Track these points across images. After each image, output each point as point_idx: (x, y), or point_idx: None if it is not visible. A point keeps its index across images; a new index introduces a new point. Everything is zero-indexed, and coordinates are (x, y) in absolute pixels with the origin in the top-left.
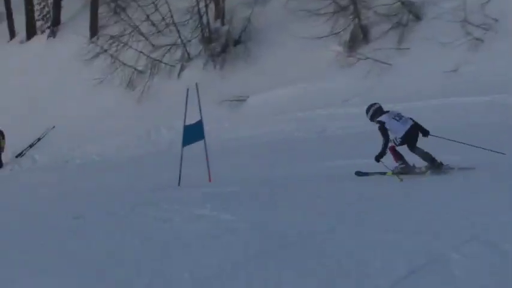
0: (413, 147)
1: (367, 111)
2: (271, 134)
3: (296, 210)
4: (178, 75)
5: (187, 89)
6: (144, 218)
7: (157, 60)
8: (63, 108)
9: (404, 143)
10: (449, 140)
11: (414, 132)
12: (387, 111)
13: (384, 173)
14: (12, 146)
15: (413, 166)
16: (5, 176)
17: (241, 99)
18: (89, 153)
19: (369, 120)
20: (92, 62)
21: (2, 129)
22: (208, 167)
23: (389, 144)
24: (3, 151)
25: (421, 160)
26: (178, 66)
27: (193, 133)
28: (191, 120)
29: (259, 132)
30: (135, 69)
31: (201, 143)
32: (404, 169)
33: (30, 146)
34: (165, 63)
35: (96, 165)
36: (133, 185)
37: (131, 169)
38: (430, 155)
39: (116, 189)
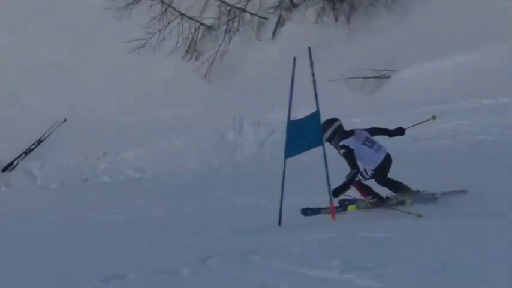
0: (385, 181)
1: (323, 130)
2: (439, 136)
3: None
4: (274, 33)
5: (294, 58)
6: (228, 282)
7: (238, 8)
8: (81, 89)
9: (375, 176)
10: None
11: (389, 161)
12: (351, 132)
13: (346, 207)
14: None
15: (388, 197)
16: None
17: (384, 76)
18: (122, 165)
19: (325, 141)
20: (129, 12)
21: None
22: (329, 193)
23: (355, 184)
24: None
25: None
26: (273, 19)
27: (304, 134)
28: (300, 111)
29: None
30: (201, 23)
31: (316, 151)
32: (377, 203)
33: (26, 152)
34: (252, 14)
35: (136, 186)
36: (201, 222)
37: (195, 195)
38: (403, 184)
39: (173, 230)
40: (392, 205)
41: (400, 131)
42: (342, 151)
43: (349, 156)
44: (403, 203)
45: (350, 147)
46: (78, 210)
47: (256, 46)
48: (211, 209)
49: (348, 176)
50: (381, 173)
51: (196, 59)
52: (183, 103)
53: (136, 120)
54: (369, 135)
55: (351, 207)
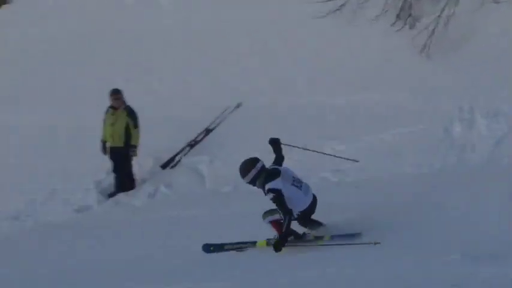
0: (308, 222)
1: (244, 171)
2: None
3: None
4: None
5: None
6: None
7: None
8: (262, 66)
9: (301, 217)
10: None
11: (315, 202)
12: (277, 172)
13: (254, 243)
14: (155, 146)
15: (304, 234)
16: (137, 210)
17: None
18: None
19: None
20: None
21: (133, 107)
22: None
23: (276, 226)
24: (134, 154)
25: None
26: None
27: None
28: None
29: None
30: None
31: None
32: (293, 241)
33: (191, 145)
34: None
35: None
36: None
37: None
38: (322, 224)
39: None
40: (309, 241)
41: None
42: (270, 195)
43: (280, 200)
44: (321, 238)
45: (277, 189)
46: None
47: (492, 10)
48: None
49: (283, 224)
50: (308, 214)
51: (411, 27)
52: (393, 85)
53: (331, 106)
54: (294, 174)
55: (261, 242)
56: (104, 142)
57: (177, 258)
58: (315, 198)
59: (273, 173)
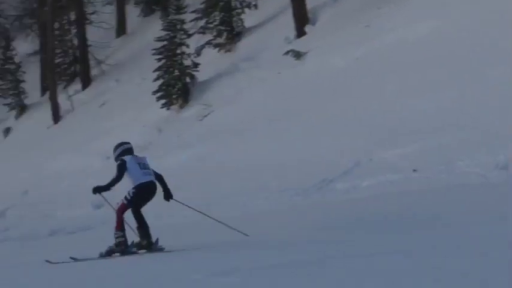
0: (138, 212)
1: (115, 148)
2: None
3: None
4: None
5: None
6: None
7: None
8: None
9: (136, 200)
10: (193, 209)
11: (150, 190)
12: (130, 151)
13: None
14: None
15: (132, 245)
16: None
17: None
18: None
19: (114, 158)
20: None
21: None
22: None
23: (120, 203)
24: None
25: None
26: None
27: None
28: None
29: None
30: None
31: None
32: (120, 245)
33: None
34: None
35: None
36: None
37: None
38: (148, 229)
39: None
40: (133, 252)
41: (168, 194)
42: (118, 162)
43: (121, 166)
44: (145, 247)
45: (124, 159)
46: None
47: None
48: None
49: (112, 179)
50: (141, 198)
51: None
52: None
53: None
54: (147, 163)
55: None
56: None
57: None
58: (151, 186)
59: (127, 151)
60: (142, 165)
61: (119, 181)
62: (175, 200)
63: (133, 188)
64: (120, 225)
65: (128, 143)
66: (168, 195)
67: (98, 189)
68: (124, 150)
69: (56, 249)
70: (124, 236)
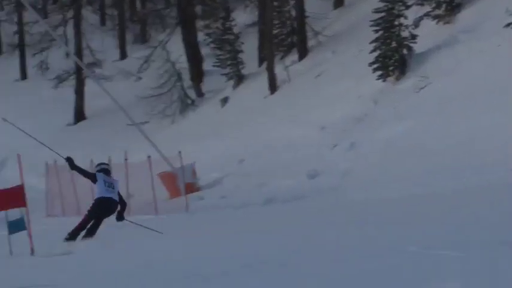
0: (98, 223)
1: (96, 166)
2: None
3: None
4: None
5: None
6: None
7: None
8: None
9: (97, 210)
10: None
11: (108, 205)
12: (105, 171)
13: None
14: None
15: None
16: None
17: None
18: None
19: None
20: None
21: None
22: None
23: (84, 216)
24: None
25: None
26: None
27: None
28: None
29: None
30: None
31: None
32: (73, 234)
33: None
34: None
35: None
36: None
37: None
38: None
39: None
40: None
41: (120, 217)
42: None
43: (93, 176)
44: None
45: (97, 175)
46: None
47: None
48: None
49: (85, 171)
50: (99, 210)
51: None
52: None
53: None
54: (116, 184)
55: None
56: None
57: None
58: (110, 203)
59: (102, 170)
60: (108, 184)
61: (84, 176)
62: (128, 220)
63: (94, 200)
64: (80, 226)
65: (107, 164)
66: (120, 217)
67: (71, 163)
68: (101, 169)
69: (271, 217)
70: (75, 233)
